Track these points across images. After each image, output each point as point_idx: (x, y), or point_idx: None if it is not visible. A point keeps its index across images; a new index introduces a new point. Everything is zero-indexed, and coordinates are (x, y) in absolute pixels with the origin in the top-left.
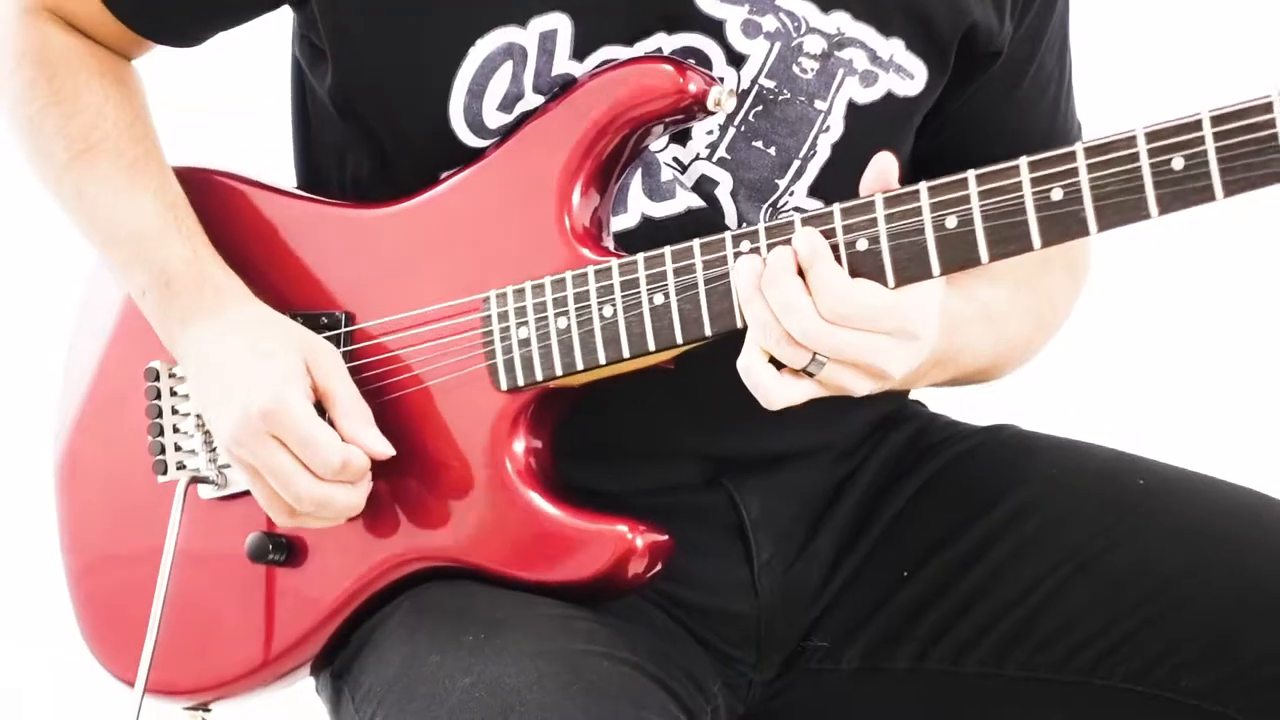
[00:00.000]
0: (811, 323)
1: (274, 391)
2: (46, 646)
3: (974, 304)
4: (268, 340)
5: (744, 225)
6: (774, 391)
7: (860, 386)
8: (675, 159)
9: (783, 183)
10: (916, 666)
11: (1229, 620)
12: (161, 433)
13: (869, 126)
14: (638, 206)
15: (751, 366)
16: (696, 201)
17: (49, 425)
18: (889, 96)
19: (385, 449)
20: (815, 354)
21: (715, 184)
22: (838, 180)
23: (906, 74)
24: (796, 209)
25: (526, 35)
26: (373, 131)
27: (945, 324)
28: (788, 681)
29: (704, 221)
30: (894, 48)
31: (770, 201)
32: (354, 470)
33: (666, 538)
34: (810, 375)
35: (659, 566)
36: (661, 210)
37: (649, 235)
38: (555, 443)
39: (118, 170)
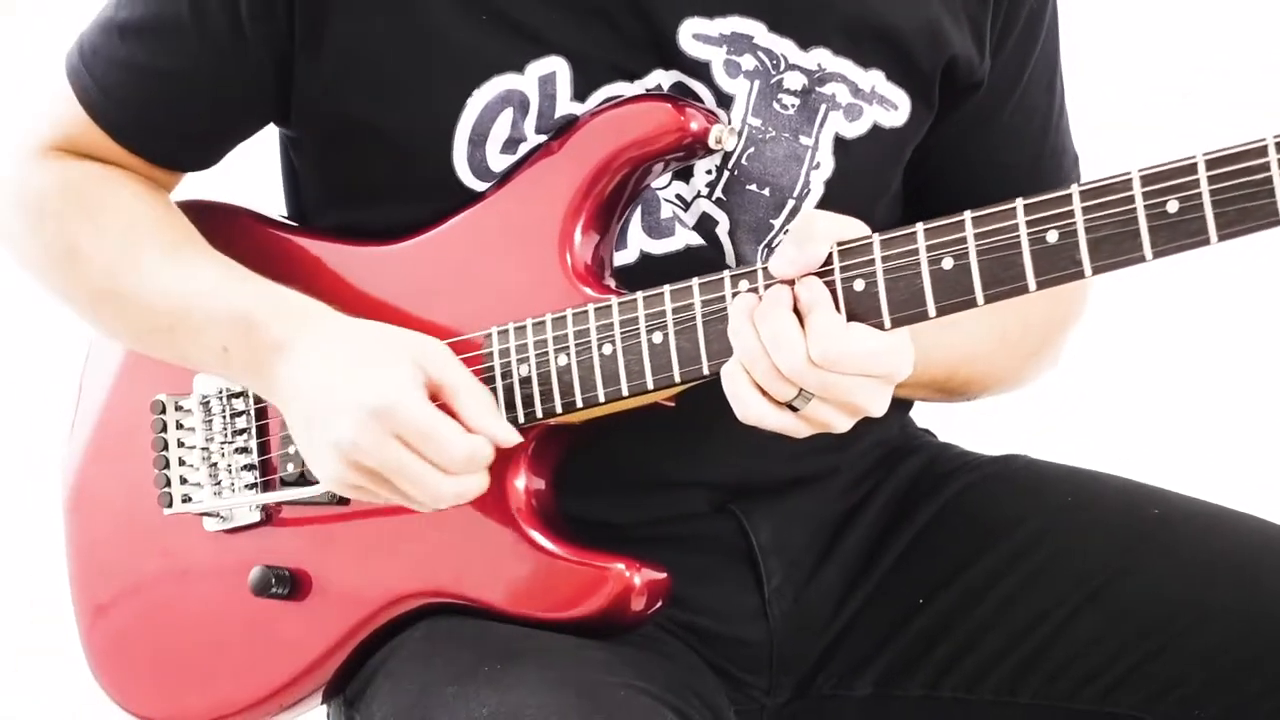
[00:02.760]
0: (799, 361)
1: (390, 389)
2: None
3: None
4: (372, 344)
5: (742, 265)
6: (751, 406)
7: (841, 424)
8: (678, 196)
9: (778, 222)
10: (930, 694)
11: (1239, 650)
12: (167, 465)
13: (859, 162)
14: (637, 243)
15: (735, 375)
16: (696, 240)
17: (54, 451)
18: (875, 129)
19: (513, 436)
20: (801, 390)
21: (715, 223)
22: None
23: (890, 104)
24: None
25: (525, 81)
26: (376, 182)
27: None
28: (801, 707)
29: (702, 261)
30: (874, 79)
31: (765, 241)
32: (481, 460)
33: (665, 575)
34: (794, 410)
35: (660, 603)
36: (660, 248)
37: (648, 272)
38: (559, 478)
39: (165, 249)
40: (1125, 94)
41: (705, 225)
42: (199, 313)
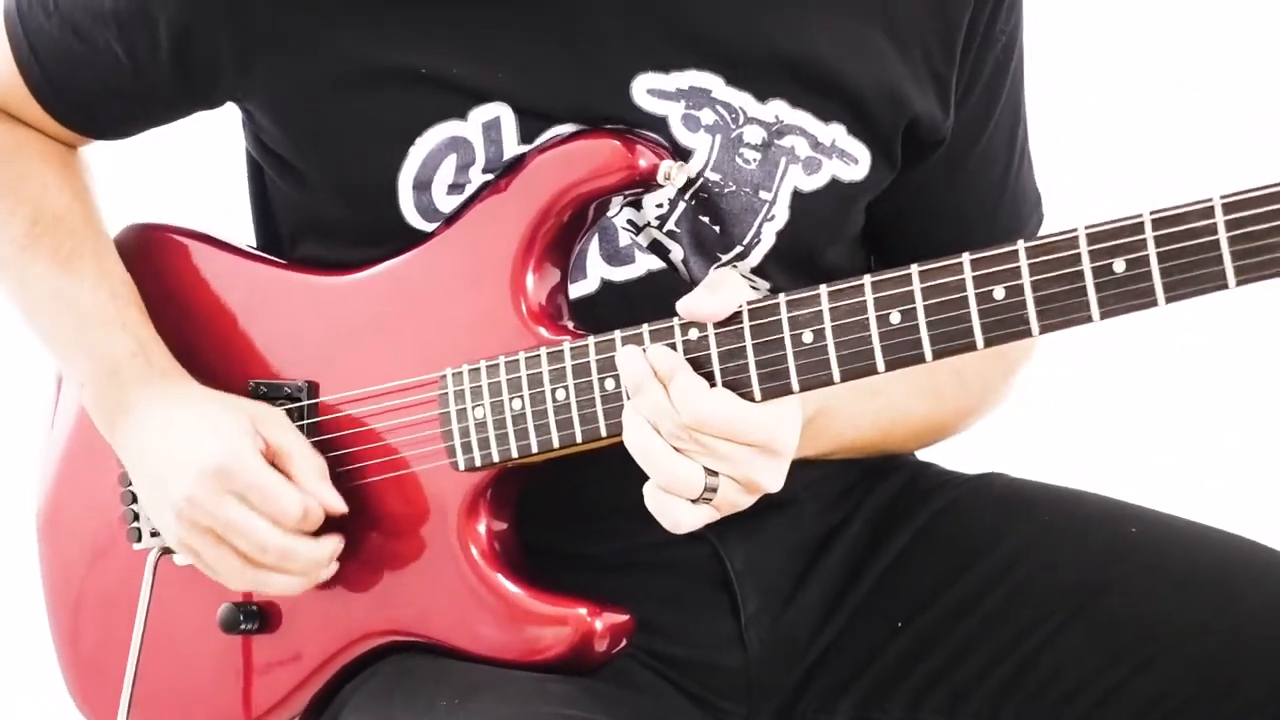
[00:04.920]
0: (678, 429)
1: (227, 449)
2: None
3: None
4: (212, 411)
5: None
6: (680, 513)
7: (743, 501)
8: (630, 222)
9: (725, 257)
10: (910, 717)
11: (1219, 668)
12: (134, 500)
13: (813, 213)
14: (597, 271)
15: (653, 493)
16: (656, 264)
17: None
18: (834, 182)
19: (338, 504)
20: (706, 483)
21: (668, 250)
22: (780, 263)
23: (850, 159)
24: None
25: (468, 128)
26: (330, 221)
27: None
28: None
29: (665, 284)
30: (834, 133)
31: (717, 267)
32: (313, 520)
33: (627, 618)
34: (707, 500)
35: (623, 643)
36: (621, 275)
37: (610, 300)
38: (520, 515)
39: (56, 263)
40: (1106, 100)
41: (658, 249)
42: (73, 343)
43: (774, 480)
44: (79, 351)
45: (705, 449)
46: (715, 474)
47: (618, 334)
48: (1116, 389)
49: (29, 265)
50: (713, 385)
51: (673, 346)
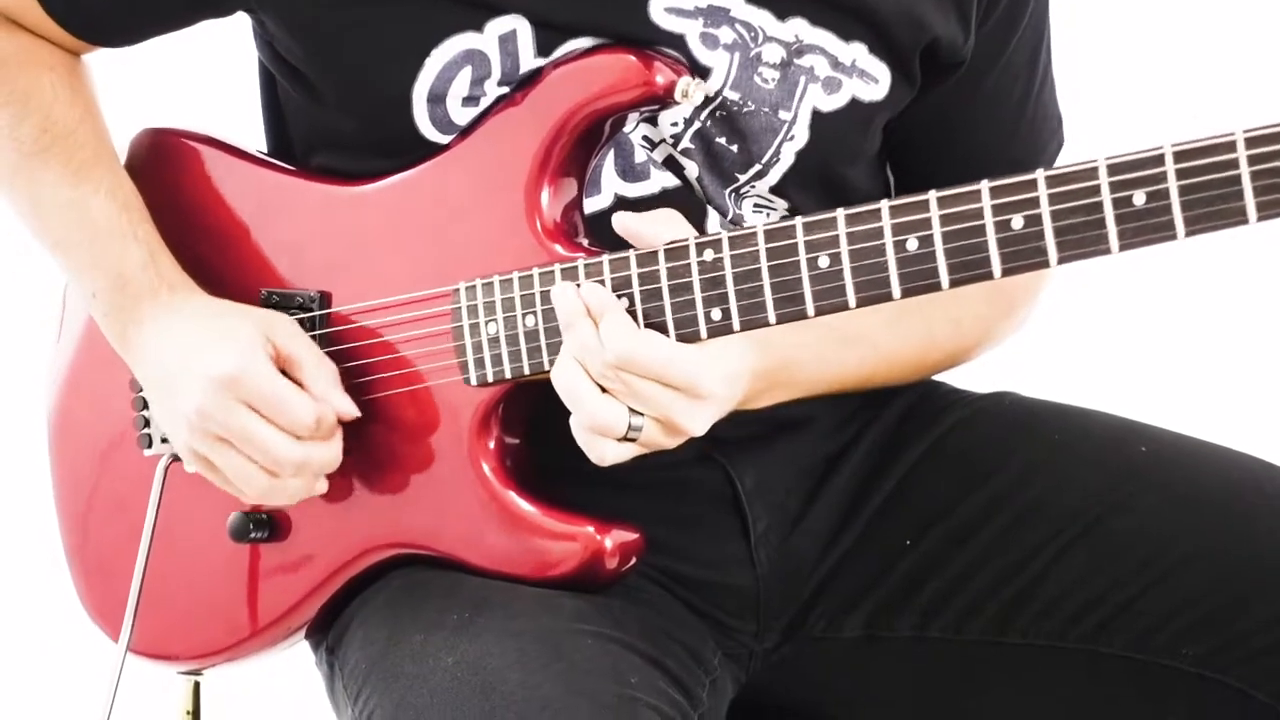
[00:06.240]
0: (604, 367)
1: (238, 358)
2: (36, 603)
3: (813, 328)
4: (223, 320)
5: (712, 208)
6: (605, 449)
7: (668, 441)
8: (646, 138)
9: (743, 177)
10: (918, 635)
11: (1229, 587)
12: (146, 406)
13: (833, 133)
14: (611, 187)
15: (578, 428)
16: (671, 181)
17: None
18: (854, 103)
19: (352, 409)
20: (630, 421)
21: (682, 167)
22: (799, 183)
23: (870, 78)
24: (759, 201)
25: (484, 40)
26: (343, 132)
27: (768, 344)
28: (790, 650)
29: (679, 201)
30: (855, 52)
31: (733, 188)
32: (326, 427)
33: (637, 535)
34: (632, 440)
35: (632, 562)
36: (636, 191)
37: None
38: (532, 431)
39: (68, 173)
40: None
41: (673, 166)
42: (84, 253)
43: (697, 424)
44: (90, 262)
45: (628, 389)
46: (641, 414)
47: (633, 253)
48: (1129, 305)
49: (39, 172)
50: (726, 307)
51: (688, 268)
